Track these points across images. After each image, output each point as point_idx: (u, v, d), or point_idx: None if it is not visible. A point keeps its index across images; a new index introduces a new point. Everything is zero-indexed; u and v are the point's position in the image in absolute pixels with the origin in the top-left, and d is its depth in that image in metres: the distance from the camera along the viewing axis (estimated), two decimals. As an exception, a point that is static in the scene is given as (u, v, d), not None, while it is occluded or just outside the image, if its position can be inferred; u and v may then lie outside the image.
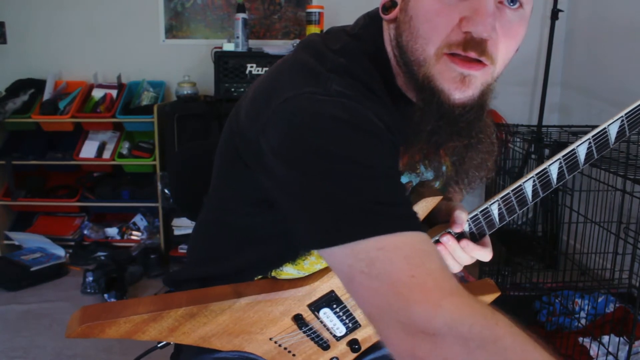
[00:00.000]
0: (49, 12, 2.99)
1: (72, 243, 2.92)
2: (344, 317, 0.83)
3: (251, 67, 2.62)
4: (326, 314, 0.82)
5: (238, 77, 2.63)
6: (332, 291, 0.80)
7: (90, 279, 2.49)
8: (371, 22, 0.75)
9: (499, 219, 0.79)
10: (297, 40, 2.90)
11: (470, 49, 0.62)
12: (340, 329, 0.84)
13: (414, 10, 0.65)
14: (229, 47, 2.68)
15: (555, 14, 2.61)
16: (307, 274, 0.82)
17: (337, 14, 2.75)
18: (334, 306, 0.81)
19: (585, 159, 0.77)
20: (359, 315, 0.84)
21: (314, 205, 0.59)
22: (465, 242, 0.77)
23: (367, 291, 0.55)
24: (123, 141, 2.90)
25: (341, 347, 0.87)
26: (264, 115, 0.66)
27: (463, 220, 0.76)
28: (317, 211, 0.59)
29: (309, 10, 2.72)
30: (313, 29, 2.65)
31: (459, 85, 0.64)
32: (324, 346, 0.86)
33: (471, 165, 0.75)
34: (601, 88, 2.69)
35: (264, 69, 2.62)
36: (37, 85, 2.92)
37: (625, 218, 1.95)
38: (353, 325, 0.84)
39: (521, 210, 0.79)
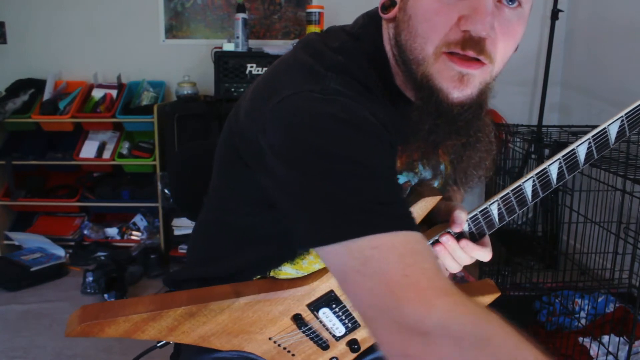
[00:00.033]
0: (49, 12, 2.99)
1: (72, 243, 2.92)
2: (343, 317, 0.83)
3: (251, 67, 2.63)
4: (325, 313, 0.82)
5: (238, 77, 2.63)
6: (332, 291, 0.80)
7: (90, 279, 2.49)
8: (370, 21, 0.75)
9: (499, 219, 0.79)
10: (297, 41, 2.90)
11: (469, 47, 0.62)
12: (340, 329, 0.84)
13: (413, 9, 0.65)
14: (229, 47, 2.68)
15: (555, 14, 2.61)
16: (305, 274, 0.82)
17: (337, 14, 2.75)
18: (333, 306, 0.81)
19: (585, 159, 0.77)
20: (358, 315, 0.84)
21: (312, 204, 0.59)
22: (465, 242, 0.77)
23: (360, 290, 0.55)
24: (123, 141, 2.90)
25: (340, 347, 0.87)
26: (263, 114, 0.66)
27: (462, 220, 0.76)
28: (314, 210, 0.59)
29: (309, 10, 2.72)
30: (313, 29, 2.65)
31: (458, 84, 0.64)
32: (324, 346, 0.86)
33: (469, 164, 0.75)
34: (601, 88, 2.69)
35: (264, 69, 2.62)
36: (37, 85, 2.92)
37: (625, 218, 1.95)
38: (352, 325, 0.84)
39: (521, 211, 0.79)
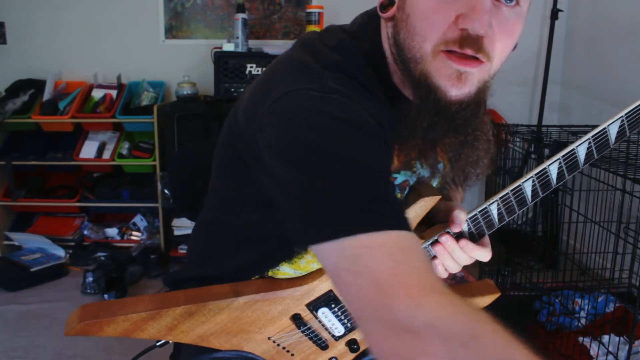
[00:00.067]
0: (49, 12, 2.99)
1: (72, 243, 2.92)
2: (343, 317, 0.83)
3: (251, 67, 2.63)
4: (324, 313, 0.82)
5: (238, 77, 2.63)
6: (331, 291, 0.80)
7: (90, 279, 2.49)
8: (369, 20, 0.75)
9: (498, 219, 0.79)
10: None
11: (467, 46, 0.62)
12: (339, 329, 0.84)
13: (411, 8, 0.65)
14: (228, 47, 2.68)
15: (555, 13, 2.61)
16: (303, 274, 0.82)
17: (337, 14, 2.75)
18: (333, 306, 0.81)
19: (585, 159, 0.76)
20: (357, 315, 0.83)
21: (305, 202, 0.60)
22: (464, 242, 0.77)
23: (351, 288, 0.55)
24: (123, 141, 2.90)
25: (340, 347, 0.87)
26: (260, 112, 0.67)
27: (462, 220, 0.76)
28: (307, 208, 0.59)
29: (308, 10, 2.72)
30: (313, 29, 2.65)
31: (456, 82, 0.64)
32: (323, 346, 0.86)
33: (467, 162, 0.75)
34: (601, 88, 2.69)
35: (264, 69, 2.62)
36: (37, 85, 2.92)
37: (625, 218, 1.95)
38: (352, 325, 0.84)
39: (521, 211, 0.79)
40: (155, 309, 0.75)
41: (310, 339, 0.84)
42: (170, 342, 0.83)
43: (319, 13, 2.66)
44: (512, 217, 0.80)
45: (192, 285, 0.82)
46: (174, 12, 3.01)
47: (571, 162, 0.76)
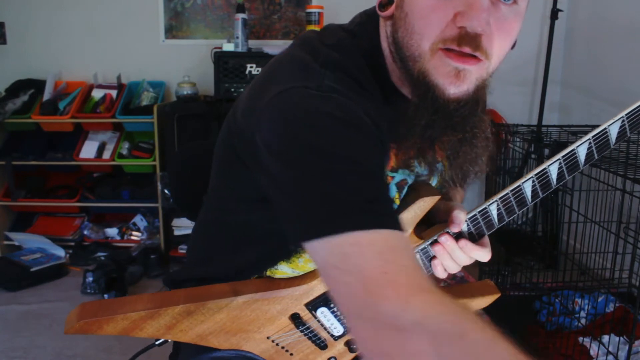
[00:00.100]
0: (49, 12, 2.99)
1: (72, 243, 2.92)
2: (342, 317, 0.83)
3: (251, 67, 2.63)
4: (323, 313, 0.82)
5: (238, 77, 2.63)
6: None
7: (90, 279, 2.49)
8: (368, 19, 0.75)
9: (498, 220, 0.79)
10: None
11: (465, 44, 0.62)
12: (338, 329, 0.84)
13: (410, 6, 0.65)
14: (228, 47, 2.68)
15: (555, 13, 2.61)
16: (301, 273, 0.82)
17: (337, 14, 2.75)
18: (332, 305, 0.81)
19: (585, 160, 0.76)
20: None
21: (298, 199, 0.60)
22: (464, 242, 0.77)
23: (340, 286, 0.55)
24: (123, 141, 2.90)
25: (339, 347, 0.87)
26: (258, 110, 0.67)
27: (461, 220, 0.76)
28: (300, 205, 0.60)
29: (308, 10, 2.72)
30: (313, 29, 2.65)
31: (454, 80, 0.64)
32: (322, 346, 0.85)
33: (466, 159, 0.75)
34: (601, 88, 2.68)
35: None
36: (37, 85, 2.92)
37: (625, 218, 1.95)
38: (351, 325, 0.84)
39: (520, 211, 0.79)
40: (154, 307, 0.75)
41: (309, 338, 0.84)
42: (170, 341, 0.83)
43: (319, 13, 2.66)
44: (511, 217, 0.79)
45: (192, 285, 0.82)
46: (174, 12, 3.01)
47: (571, 162, 0.76)
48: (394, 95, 0.73)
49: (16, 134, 2.95)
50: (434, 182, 0.83)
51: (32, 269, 2.61)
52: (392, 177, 0.77)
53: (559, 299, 2.04)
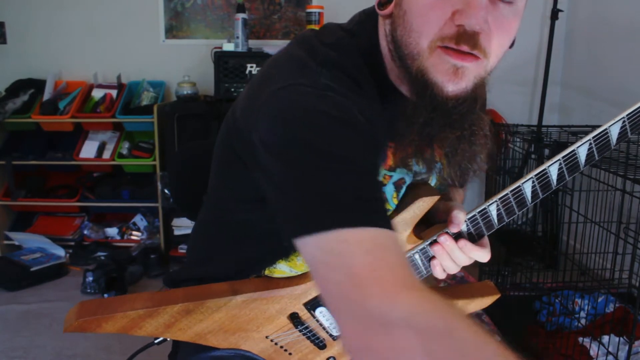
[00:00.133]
0: (49, 12, 2.99)
1: (72, 243, 2.93)
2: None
3: (251, 67, 2.63)
4: (322, 312, 0.82)
5: (238, 77, 2.63)
6: (329, 290, 0.80)
7: (90, 279, 2.49)
8: (367, 18, 0.76)
9: (498, 220, 0.78)
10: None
11: (463, 42, 0.62)
12: (337, 328, 0.84)
13: (408, 4, 0.65)
14: (229, 47, 2.68)
15: (555, 14, 2.61)
16: (299, 272, 0.82)
17: (337, 14, 2.74)
18: (331, 305, 0.81)
19: (586, 160, 0.76)
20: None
21: (290, 196, 0.60)
22: (463, 242, 0.77)
23: (328, 282, 0.56)
24: (123, 141, 2.90)
25: (338, 347, 0.87)
26: (256, 108, 0.67)
27: (460, 221, 0.76)
28: (292, 201, 0.60)
29: (309, 10, 2.72)
30: (313, 29, 2.65)
31: (452, 77, 0.64)
32: (320, 345, 0.85)
33: (464, 157, 0.75)
34: (601, 88, 2.68)
35: (264, 68, 2.62)
36: (37, 85, 2.93)
37: (625, 218, 1.94)
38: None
39: (520, 212, 0.79)
40: (153, 306, 0.75)
41: (308, 338, 0.84)
42: (169, 339, 0.83)
43: (319, 13, 2.66)
44: (511, 218, 0.79)
45: (192, 285, 0.82)
46: (174, 12, 3.01)
47: (572, 163, 0.76)
48: (393, 94, 0.73)
49: (16, 133, 2.95)
50: (432, 182, 0.83)
51: (32, 269, 2.61)
52: (390, 176, 0.77)
53: (559, 299, 2.04)
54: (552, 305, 2.06)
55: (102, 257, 2.76)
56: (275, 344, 0.84)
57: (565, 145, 0.80)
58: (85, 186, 2.96)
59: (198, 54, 2.99)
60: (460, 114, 0.68)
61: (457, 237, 0.77)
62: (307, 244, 0.57)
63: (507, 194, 0.77)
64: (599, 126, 0.75)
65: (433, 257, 0.79)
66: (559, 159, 0.75)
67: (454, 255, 0.77)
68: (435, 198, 0.76)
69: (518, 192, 0.77)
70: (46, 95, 2.86)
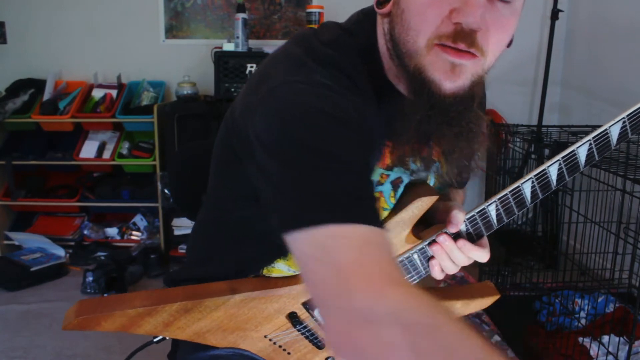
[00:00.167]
0: (49, 12, 2.99)
1: (72, 243, 2.93)
2: None
3: (251, 67, 2.63)
4: (321, 312, 0.81)
5: (238, 77, 2.63)
6: (328, 290, 0.80)
7: (90, 279, 2.49)
8: (365, 17, 0.76)
9: (497, 221, 0.78)
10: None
11: (460, 40, 0.62)
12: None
13: (406, 3, 0.66)
14: (229, 47, 2.68)
15: (555, 14, 2.61)
16: (298, 272, 0.81)
17: (337, 14, 2.73)
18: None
19: (586, 161, 0.75)
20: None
21: (281, 191, 0.61)
22: (462, 242, 0.76)
23: (315, 277, 0.56)
24: (123, 141, 2.90)
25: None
26: (253, 105, 0.68)
27: (459, 221, 0.75)
28: (282, 197, 0.60)
29: (309, 10, 2.72)
30: (313, 29, 2.65)
31: (450, 75, 0.64)
32: (319, 345, 0.85)
33: (461, 155, 0.75)
34: (601, 88, 2.68)
35: (264, 68, 2.62)
36: (37, 85, 2.93)
37: (625, 218, 1.94)
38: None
39: (520, 212, 0.79)
40: (151, 304, 0.75)
41: (307, 337, 0.84)
42: (168, 338, 0.84)
43: (319, 13, 2.66)
44: (511, 218, 0.79)
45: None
46: (174, 12, 3.01)
47: (572, 163, 0.75)
48: (391, 92, 0.73)
49: (16, 133, 2.95)
50: (431, 182, 0.83)
51: (32, 269, 2.61)
52: (388, 175, 0.77)
53: (559, 299, 2.04)
54: (552, 305, 2.06)
55: (102, 257, 2.76)
56: (274, 343, 0.84)
57: (565, 146, 0.79)
58: (85, 186, 2.96)
59: (198, 54, 2.99)
60: (458, 111, 0.68)
61: (456, 237, 0.77)
62: (297, 239, 0.57)
63: (506, 194, 0.76)
64: (599, 126, 0.75)
65: (432, 257, 0.78)
66: (558, 160, 0.75)
67: (452, 255, 0.77)
68: (434, 198, 0.76)
69: (517, 193, 0.76)
70: (46, 95, 2.86)
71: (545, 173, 0.75)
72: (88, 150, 2.86)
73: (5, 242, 2.94)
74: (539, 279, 2.19)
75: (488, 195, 2.60)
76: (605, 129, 0.74)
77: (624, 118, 0.73)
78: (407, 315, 0.49)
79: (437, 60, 0.64)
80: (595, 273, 2.26)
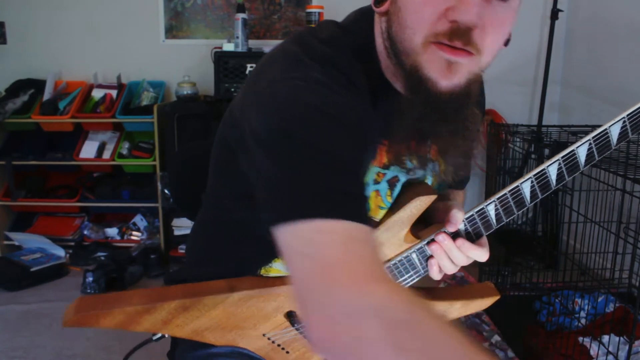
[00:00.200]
0: (49, 12, 2.99)
1: (72, 243, 2.93)
2: None
3: (251, 67, 2.63)
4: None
5: (238, 77, 2.63)
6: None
7: (90, 279, 2.49)
8: (363, 16, 0.76)
9: (496, 220, 0.78)
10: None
11: (456, 38, 0.62)
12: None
13: (403, 1, 0.66)
14: (229, 47, 2.68)
15: (555, 13, 2.61)
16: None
17: (337, 14, 2.72)
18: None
19: (586, 161, 0.75)
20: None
21: (270, 185, 0.61)
22: (461, 241, 0.76)
23: (299, 271, 0.56)
24: (123, 141, 2.90)
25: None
26: (249, 100, 0.68)
27: (458, 220, 0.75)
28: (271, 191, 0.61)
29: (308, 10, 2.72)
30: (312, 29, 2.65)
31: (446, 73, 0.64)
32: (319, 344, 0.85)
33: (458, 152, 0.75)
34: (601, 88, 2.68)
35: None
36: (37, 85, 2.93)
37: (625, 218, 1.94)
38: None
39: (520, 212, 0.78)
40: (150, 302, 0.76)
41: (305, 336, 0.84)
42: (167, 337, 0.84)
43: (319, 13, 2.66)
44: (510, 218, 0.79)
45: (191, 284, 0.82)
46: (174, 12, 3.02)
47: (571, 163, 0.75)
48: (388, 91, 0.74)
49: (16, 133, 2.95)
50: (429, 181, 0.83)
51: (32, 269, 2.61)
52: (384, 174, 0.77)
53: (559, 299, 2.04)
54: (552, 305, 2.06)
55: (102, 258, 2.76)
56: (273, 342, 0.84)
57: (565, 145, 0.79)
58: (85, 186, 2.96)
59: (198, 54, 2.99)
60: (454, 109, 0.68)
61: (455, 236, 0.77)
62: (284, 232, 0.57)
63: (505, 194, 0.76)
64: (599, 126, 0.74)
65: (430, 257, 0.78)
66: (558, 159, 0.75)
67: (451, 255, 0.77)
68: (433, 197, 0.76)
69: (517, 192, 0.76)
70: (46, 95, 2.86)
71: (545, 173, 0.75)
72: (88, 150, 2.86)
73: (5, 242, 2.94)
74: (539, 279, 2.19)
75: (488, 195, 2.59)
76: (605, 129, 0.74)
77: (624, 118, 0.73)
78: (389, 311, 0.49)
79: (433, 58, 0.64)
80: (595, 273, 2.26)
